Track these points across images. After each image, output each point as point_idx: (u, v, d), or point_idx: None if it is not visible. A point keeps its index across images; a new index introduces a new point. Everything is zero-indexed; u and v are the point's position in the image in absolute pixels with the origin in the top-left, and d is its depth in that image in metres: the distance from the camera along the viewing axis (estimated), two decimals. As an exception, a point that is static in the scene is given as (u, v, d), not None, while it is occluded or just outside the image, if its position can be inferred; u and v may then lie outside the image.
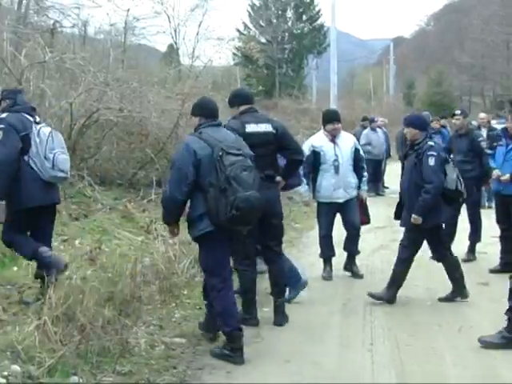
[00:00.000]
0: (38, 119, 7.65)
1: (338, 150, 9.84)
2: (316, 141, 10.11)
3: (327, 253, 10.19)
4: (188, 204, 6.55)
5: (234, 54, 44.68)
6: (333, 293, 9.34)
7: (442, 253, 8.76)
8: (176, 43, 38.68)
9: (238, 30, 52.97)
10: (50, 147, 7.32)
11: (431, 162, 8.25)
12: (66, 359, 5.82)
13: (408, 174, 8.62)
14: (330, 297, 9.00)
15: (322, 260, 10.27)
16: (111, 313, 6.83)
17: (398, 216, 8.87)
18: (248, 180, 6.15)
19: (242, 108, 7.69)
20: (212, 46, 52.88)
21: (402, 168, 9.51)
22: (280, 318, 7.80)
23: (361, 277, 10.08)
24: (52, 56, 14.91)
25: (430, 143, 8.46)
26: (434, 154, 8.30)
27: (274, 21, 54.94)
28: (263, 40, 53.58)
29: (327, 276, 10.05)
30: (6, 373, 5.45)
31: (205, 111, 6.72)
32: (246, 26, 55.44)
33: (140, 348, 6.61)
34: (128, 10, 25.22)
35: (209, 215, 6.20)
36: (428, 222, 8.39)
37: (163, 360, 6.45)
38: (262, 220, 7.06)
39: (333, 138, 9.89)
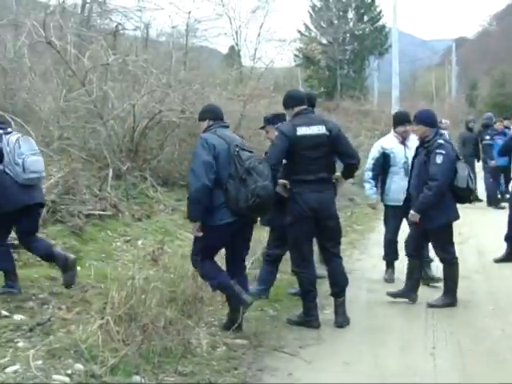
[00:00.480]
0: (8, 129, 7.99)
1: (408, 152, 9.55)
2: (386, 143, 9.93)
3: (391, 256, 10.04)
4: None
5: (296, 55, 44.51)
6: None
7: (448, 253, 8.54)
8: (237, 45, 38.65)
9: (299, 32, 52.84)
10: (18, 153, 7.63)
11: (439, 160, 8.13)
12: (129, 359, 5.83)
13: (417, 171, 8.45)
14: (391, 299, 8.84)
15: (384, 262, 10.11)
16: (173, 313, 6.82)
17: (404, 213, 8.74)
18: (264, 171, 6.75)
19: (296, 109, 7.65)
20: (273, 48, 53.16)
21: None
22: (341, 319, 7.74)
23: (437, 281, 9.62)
24: (115, 58, 15.10)
25: (440, 141, 8.31)
26: (443, 152, 8.16)
27: (335, 22, 54.59)
28: (324, 41, 53.29)
29: (389, 278, 9.91)
30: (69, 371, 5.48)
31: (213, 114, 7.27)
32: (307, 27, 55.22)
33: (201, 349, 6.59)
34: (189, 13, 25.19)
35: (228, 204, 6.70)
36: (435, 223, 8.28)
37: (224, 361, 6.43)
38: (318, 222, 7.36)
39: (403, 139, 9.69)
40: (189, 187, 7.08)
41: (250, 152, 6.99)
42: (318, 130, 7.51)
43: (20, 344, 6.25)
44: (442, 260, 8.65)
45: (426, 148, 8.36)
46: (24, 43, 15.60)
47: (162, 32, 29.26)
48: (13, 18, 17.43)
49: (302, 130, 7.43)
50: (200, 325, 7.21)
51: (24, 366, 5.48)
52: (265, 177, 6.70)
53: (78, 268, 9.05)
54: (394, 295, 8.70)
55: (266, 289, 8.70)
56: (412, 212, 8.27)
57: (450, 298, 8.50)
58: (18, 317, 7.09)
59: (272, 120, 8.76)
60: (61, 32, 16.09)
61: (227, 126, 7.28)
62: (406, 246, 8.79)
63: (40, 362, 5.58)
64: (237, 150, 6.78)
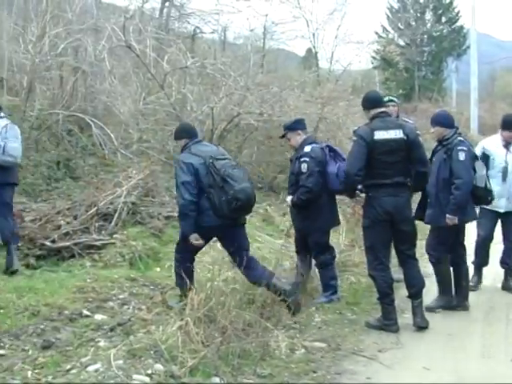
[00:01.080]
0: (1, 114, 9.01)
1: (509, 156, 9.32)
2: (488, 144, 9.63)
3: (480, 260, 9.66)
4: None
5: (373, 57, 44.17)
6: (475, 300, 8.93)
7: (457, 255, 8.45)
8: (314, 47, 38.43)
9: (377, 33, 52.34)
10: (2, 137, 8.58)
11: (461, 156, 7.98)
12: (208, 360, 5.85)
13: (436, 170, 8.19)
14: (472, 304, 8.62)
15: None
16: (252, 315, 6.80)
17: (418, 215, 8.36)
18: (239, 175, 7.36)
19: (373, 112, 7.57)
20: (351, 50, 52.79)
21: None
22: (419, 320, 7.61)
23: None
24: (194, 61, 15.21)
25: (460, 138, 8.18)
26: (465, 148, 8.04)
27: (413, 23, 53.86)
28: (402, 43, 52.66)
29: (473, 286, 9.47)
30: (149, 371, 5.52)
31: (188, 133, 7.90)
32: (384, 28, 54.64)
33: (280, 351, 6.57)
34: (266, 15, 25.31)
35: (214, 210, 7.32)
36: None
37: (303, 364, 6.38)
38: (394, 225, 7.37)
39: (507, 144, 9.39)
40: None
41: (225, 159, 7.50)
42: (396, 134, 7.40)
43: (101, 343, 6.36)
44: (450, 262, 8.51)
45: (445, 146, 8.19)
46: (104, 47, 15.85)
47: (239, 35, 29.43)
48: (93, 23, 17.74)
49: (379, 134, 7.34)
50: (278, 327, 7.16)
51: (105, 365, 5.53)
52: (241, 180, 7.31)
53: (158, 269, 9.16)
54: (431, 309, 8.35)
55: (334, 292, 8.61)
56: (449, 216, 8.02)
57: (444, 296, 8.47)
58: (99, 316, 7.23)
59: (292, 126, 8.72)
60: (140, 36, 16.31)
61: (200, 141, 7.88)
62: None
63: (121, 361, 5.63)
64: (211, 161, 7.35)
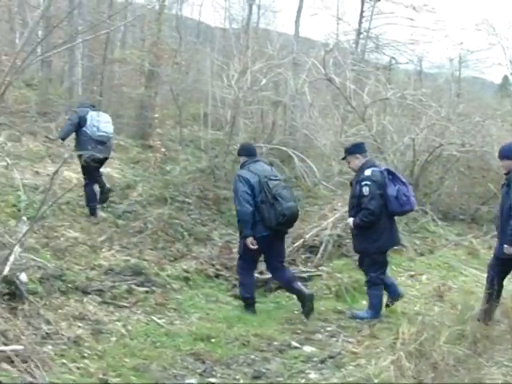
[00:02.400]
0: (96, 107, 12.22)
1: None
2: None
3: None
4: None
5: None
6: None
7: None
8: (512, 74, 37.15)
9: None
10: (96, 120, 11.33)
11: None
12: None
13: (501, 202, 7.99)
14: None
15: None
16: (463, 351, 6.61)
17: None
18: (287, 195, 8.38)
19: None
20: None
21: None
22: None
23: None
24: (394, 93, 15.15)
25: None
26: None
27: None
28: None
29: None
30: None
31: (247, 152, 8.80)
32: None
33: (495, 390, 6.32)
34: (461, 43, 24.85)
35: (263, 222, 8.26)
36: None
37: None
38: None
39: None
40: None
41: (277, 180, 8.49)
42: None
43: (311, 375, 6.42)
44: None
45: (507, 179, 7.89)
46: (305, 81, 16.17)
47: (434, 64, 29.05)
48: (293, 57, 18.17)
49: None
50: (491, 364, 6.91)
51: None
52: (288, 199, 8.32)
53: (364, 302, 9.12)
54: None
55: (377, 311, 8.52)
56: (506, 246, 7.64)
57: None
58: (308, 348, 7.24)
59: (351, 150, 8.79)
60: (339, 69, 16.49)
61: (258, 161, 8.71)
62: None
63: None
64: (265, 180, 8.32)
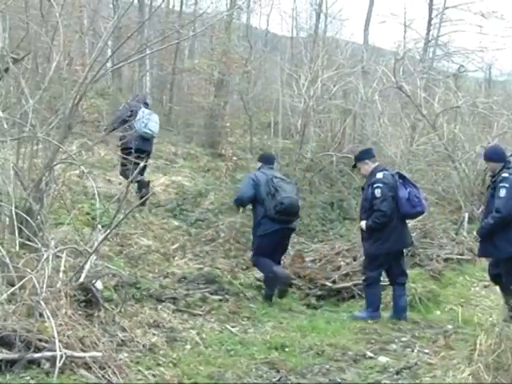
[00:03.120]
0: (148, 103, 12.92)
1: None
2: None
3: None
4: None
5: None
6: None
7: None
8: None
9: None
10: (146, 118, 11.96)
11: (502, 193, 8.10)
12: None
13: (486, 205, 8.58)
14: None
15: None
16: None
17: None
18: (287, 188, 9.30)
19: None
20: None
21: None
22: None
23: None
24: (465, 101, 14.95)
25: (504, 175, 8.20)
26: (506, 185, 8.10)
27: None
28: None
29: None
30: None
31: (265, 160, 9.87)
32: None
33: None
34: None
35: (265, 214, 9.17)
36: (501, 252, 8.20)
37: None
38: None
39: None
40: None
41: (283, 180, 9.53)
42: None
43: (387, 386, 6.30)
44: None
45: (493, 182, 8.35)
46: (375, 89, 16.09)
47: (503, 72, 28.61)
48: (363, 66, 18.11)
49: None
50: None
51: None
52: (288, 192, 9.26)
53: (438, 312, 9.01)
54: None
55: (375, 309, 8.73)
56: (475, 234, 8.70)
57: None
58: (383, 358, 7.13)
59: (359, 157, 9.14)
60: (409, 77, 16.37)
61: (272, 168, 9.75)
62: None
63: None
64: (271, 178, 9.30)
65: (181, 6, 22.75)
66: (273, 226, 9.16)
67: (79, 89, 7.81)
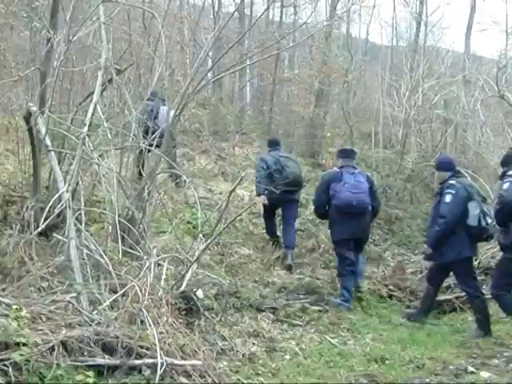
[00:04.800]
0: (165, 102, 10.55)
1: None
2: None
3: None
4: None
5: None
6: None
7: (468, 287, 8.54)
8: None
9: None
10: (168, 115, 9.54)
11: (447, 198, 8.39)
12: None
13: (432, 212, 8.87)
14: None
15: None
16: None
17: None
18: (293, 165, 10.96)
19: None
20: None
21: None
22: None
23: None
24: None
25: (451, 182, 8.53)
26: (452, 192, 8.41)
27: None
28: None
29: None
30: None
31: (271, 143, 11.45)
32: None
33: None
34: None
35: (275, 186, 10.36)
36: (445, 257, 8.43)
37: None
38: None
39: None
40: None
41: (287, 158, 11.14)
42: None
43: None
44: (465, 294, 8.77)
45: (440, 189, 8.65)
46: (477, 98, 15.78)
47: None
48: (464, 74, 17.81)
49: None
50: None
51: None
52: (292, 168, 10.85)
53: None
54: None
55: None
56: (425, 246, 8.77)
57: (480, 330, 8.34)
58: (485, 374, 6.90)
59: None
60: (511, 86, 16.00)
61: (276, 150, 11.18)
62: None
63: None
64: (278, 158, 10.85)
65: (281, 16, 22.79)
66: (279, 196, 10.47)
67: (181, 99, 7.93)
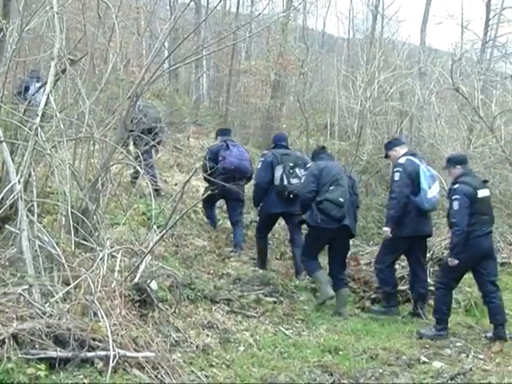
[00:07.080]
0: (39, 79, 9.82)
1: None
2: None
3: None
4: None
5: None
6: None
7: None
8: None
9: None
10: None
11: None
12: None
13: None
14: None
15: None
16: None
17: None
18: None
19: None
20: None
21: None
22: None
23: None
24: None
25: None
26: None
27: None
28: None
29: None
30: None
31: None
32: None
33: None
34: None
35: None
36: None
37: None
38: None
39: None
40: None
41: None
42: None
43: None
44: None
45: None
46: (432, 91, 15.93)
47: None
48: (420, 67, 17.96)
49: None
50: None
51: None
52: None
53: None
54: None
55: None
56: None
57: None
58: (437, 364, 7.03)
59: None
60: (466, 79, 16.15)
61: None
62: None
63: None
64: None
65: (237, 7, 22.83)
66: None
67: (136, 90, 7.88)
